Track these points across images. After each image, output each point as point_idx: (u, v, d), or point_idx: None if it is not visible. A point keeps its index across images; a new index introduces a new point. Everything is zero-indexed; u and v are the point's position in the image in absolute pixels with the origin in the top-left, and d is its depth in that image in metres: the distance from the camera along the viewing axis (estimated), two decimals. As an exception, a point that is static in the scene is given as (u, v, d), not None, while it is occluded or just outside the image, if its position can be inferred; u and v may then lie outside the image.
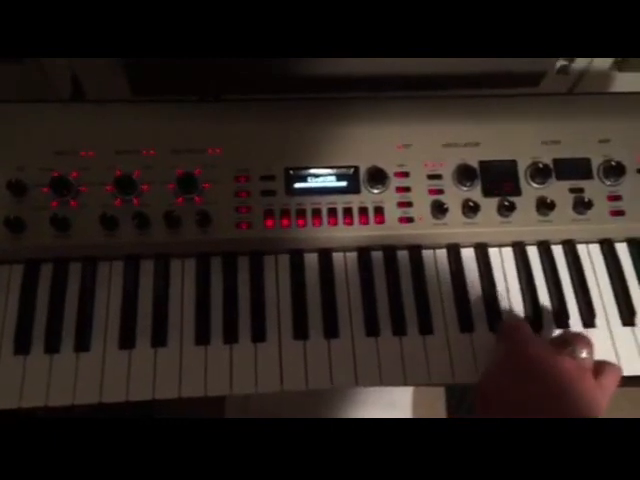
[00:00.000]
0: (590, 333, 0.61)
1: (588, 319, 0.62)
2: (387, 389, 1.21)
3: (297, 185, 0.63)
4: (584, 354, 0.55)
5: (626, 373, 0.60)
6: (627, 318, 0.62)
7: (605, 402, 0.53)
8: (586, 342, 0.56)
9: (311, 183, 0.63)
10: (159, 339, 0.58)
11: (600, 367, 0.56)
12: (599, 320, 0.62)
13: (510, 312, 0.62)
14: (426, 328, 0.60)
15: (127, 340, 0.58)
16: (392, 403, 1.21)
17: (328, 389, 0.56)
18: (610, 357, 0.60)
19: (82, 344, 0.57)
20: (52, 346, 0.57)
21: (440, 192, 0.63)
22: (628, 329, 0.62)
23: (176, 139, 0.62)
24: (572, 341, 0.56)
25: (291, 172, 0.63)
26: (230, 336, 0.59)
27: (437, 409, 1.24)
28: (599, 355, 0.60)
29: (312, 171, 0.63)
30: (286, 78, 0.67)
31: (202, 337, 0.58)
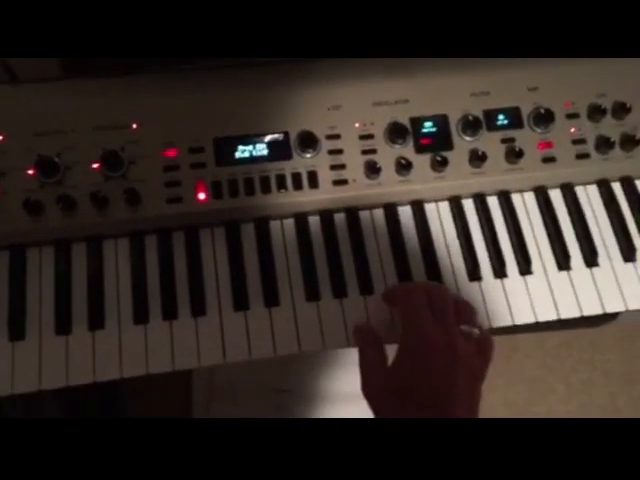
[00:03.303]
0: (527, 279, 0.62)
1: (524, 267, 0.62)
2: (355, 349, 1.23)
3: (227, 155, 0.62)
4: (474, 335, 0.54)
5: (563, 316, 0.61)
6: (562, 263, 0.63)
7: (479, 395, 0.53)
8: (475, 321, 0.56)
9: (241, 152, 0.62)
10: (96, 322, 0.57)
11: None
12: (535, 266, 0.63)
13: (449, 264, 0.63)
14: (366, 288, 0.61)
15: (63, 325, 0.57)
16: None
17: (294, 354, 0.57)
18: (547, 302, 0.62)
19: (16, 333, 0.56)
20: (-15, 338, 0.56)
21: (373, 152, 0.63)
22: (564, 273, 0.63)
23: (97, 116, 0.60)
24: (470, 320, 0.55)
25: (220, 142, 0.62)
26: (169, 313, 0.58)
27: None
28: (537, 299, 0.61)
29: (242, 140, 0.62)
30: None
31: (141, 316, 0.58)
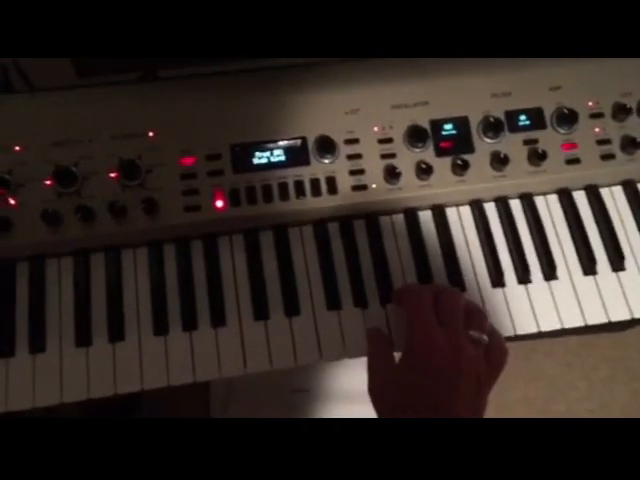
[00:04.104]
0: (552, 285, 0.61)
1: (549, 272, 0.61)
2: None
3: (245, 162, 0.61)
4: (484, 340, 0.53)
5: (590, 322, 0.60)
6: (588, 267, 0.62)
7: (485, 401, 0.53)
8: (488, 327, 0.55)
9: (259, 158, 0.61)
10: (116, 333, 0.57)
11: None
12: (560, 271, 0.61)
13: (471, 271, 0.61)
14: (387, 297, 0.60)
15: (83, 337, 0.57)
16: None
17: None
18: (573, 307, 0.60)
19: (37, 345, 0.56)
20: (6, 350, 0.56)
21: (392, 156, 0.62)
22: (590, 278, 0.62)
23: (114, 125, 0.60)
24: (482, 325, 0.54)
25: (237, 149, 0.61)
26: (189, 323, 0.58)
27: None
28: (562, 306, 0.60)
29: (259, 146, 0.61)
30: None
31: (160, 327, 0.57)
